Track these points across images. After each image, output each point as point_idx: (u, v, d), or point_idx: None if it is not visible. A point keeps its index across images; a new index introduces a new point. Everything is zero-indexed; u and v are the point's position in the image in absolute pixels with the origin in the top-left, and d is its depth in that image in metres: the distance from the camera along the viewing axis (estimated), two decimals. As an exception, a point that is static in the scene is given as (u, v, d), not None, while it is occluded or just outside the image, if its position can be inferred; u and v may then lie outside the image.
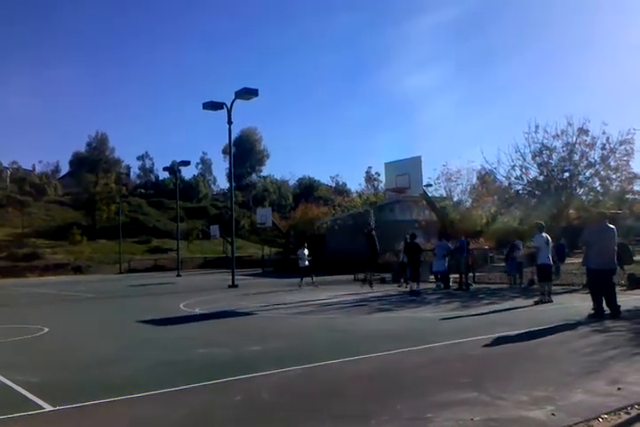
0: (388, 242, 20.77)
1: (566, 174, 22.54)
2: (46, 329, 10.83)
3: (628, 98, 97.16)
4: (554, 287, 16.38)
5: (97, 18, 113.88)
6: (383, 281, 21.73)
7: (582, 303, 11.53)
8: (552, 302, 12.71)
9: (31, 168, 79.37)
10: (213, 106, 24.63)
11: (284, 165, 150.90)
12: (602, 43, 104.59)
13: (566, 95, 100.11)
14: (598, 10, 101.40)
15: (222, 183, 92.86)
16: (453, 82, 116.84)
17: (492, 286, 18.53)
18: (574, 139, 21.88)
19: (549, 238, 13.10)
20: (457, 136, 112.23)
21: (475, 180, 30.98)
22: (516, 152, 22.82)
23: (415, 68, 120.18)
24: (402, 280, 19.85)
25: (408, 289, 17.50)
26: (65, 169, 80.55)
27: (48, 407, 5.15)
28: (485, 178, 28.03)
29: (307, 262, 21.19)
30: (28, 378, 6.42)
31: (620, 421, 4.32)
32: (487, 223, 28.72)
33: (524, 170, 22.99)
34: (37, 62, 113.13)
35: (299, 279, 21.07)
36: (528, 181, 23.28)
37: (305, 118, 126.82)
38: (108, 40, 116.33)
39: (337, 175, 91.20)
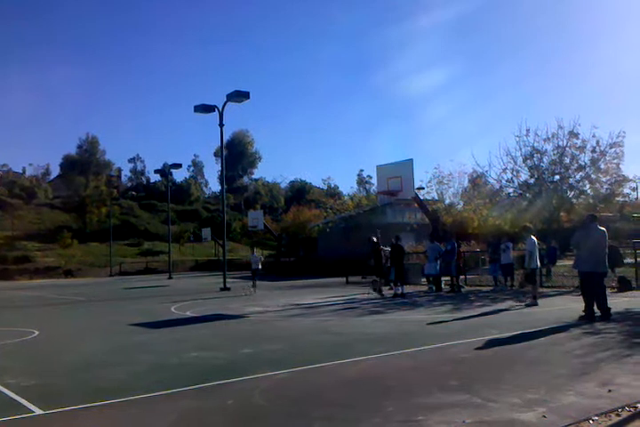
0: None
1: (557, 177, 22.68)
2: (37, 332, 10.74)
3: (619, 99, 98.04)
4: (545, 290, 16.51)
5: (93, 17, 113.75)
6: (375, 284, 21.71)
7: (573, 305, 11.58)
8: (537, 304, 12.75)
9: (21, 171, 79.03)
10: (205, 109, 24.55)
11: (276, 167, 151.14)
12: (596, 43, 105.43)
13: (559, 96, 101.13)
14: (596, 11, 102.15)
15: (214, 186, 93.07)
16: (451, 82, 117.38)
17: (484, 289, 18.59)
18: (565, 142, 22.04)
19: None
20: (452, 137, 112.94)
21: (466, 182, 31.19)
22: (507, 155, 22.98)
23: (412, 68, 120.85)
24: (390, 283, 19.86)
25: (392, 293, 17.33)
26: (55, 172, 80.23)
27: (38, 411, 5.10)
28: (477, 181, 28.18)
29: (260, 266, 21.37)
30: (18, 382, 6.37)
31: (610, 422, 4.34)
32: (478, 226, 28.85)
33: (514, 173, 23.14)
34: (34, 61, 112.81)
35: (251, 283, 21.26)
36: (519, 184, 23.41)
37: (300, 118, 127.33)
38: (104, 40, 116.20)
39: (329, 178, 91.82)
